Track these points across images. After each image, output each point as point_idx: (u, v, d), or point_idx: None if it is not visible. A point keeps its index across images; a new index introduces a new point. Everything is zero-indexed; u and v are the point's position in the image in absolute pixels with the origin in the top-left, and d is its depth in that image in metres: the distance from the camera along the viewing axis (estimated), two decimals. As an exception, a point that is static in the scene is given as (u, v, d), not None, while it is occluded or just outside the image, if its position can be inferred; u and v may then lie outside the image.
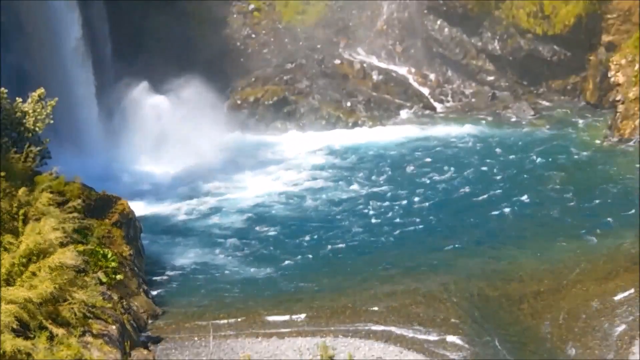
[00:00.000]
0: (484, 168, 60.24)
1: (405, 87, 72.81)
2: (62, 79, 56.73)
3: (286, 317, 40.63)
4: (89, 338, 28.06)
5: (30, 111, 37.10)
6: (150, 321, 40.20)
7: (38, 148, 36.67)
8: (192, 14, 71.68)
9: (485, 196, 56.03)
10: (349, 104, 69.64)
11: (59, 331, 26.66)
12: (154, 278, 45.86)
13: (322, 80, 71.22)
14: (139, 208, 52.66)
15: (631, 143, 61.89)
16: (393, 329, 39.42)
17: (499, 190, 56.64)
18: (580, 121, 67.32)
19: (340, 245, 50.15)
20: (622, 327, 40.01)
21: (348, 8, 76.71)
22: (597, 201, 54.55)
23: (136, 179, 58.80)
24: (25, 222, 29.41)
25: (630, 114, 63.11)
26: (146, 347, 37.65)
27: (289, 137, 67.41)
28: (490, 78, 73.65)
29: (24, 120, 36.93)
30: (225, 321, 40.40)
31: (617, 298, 42.09)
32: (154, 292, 43.92)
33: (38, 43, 57.10)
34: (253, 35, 74.67)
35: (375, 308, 41.29)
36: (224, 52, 71.02)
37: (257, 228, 53.18)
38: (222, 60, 70.40)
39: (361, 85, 72.02)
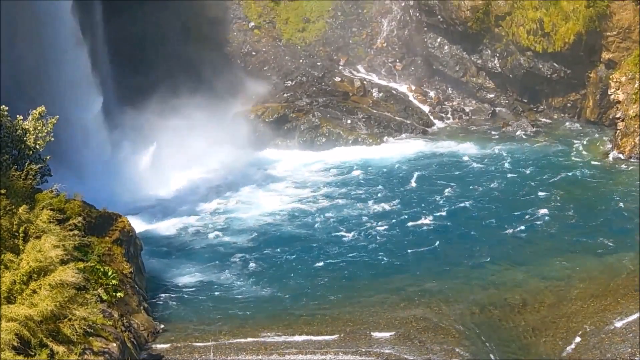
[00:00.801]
0: (484, 186, 60.15)
1: (405, 104, 72.87)
2: (66, 98, 56.70)
3: (287, 336, 40.63)
4: (89, 356, 28.05)
5: (31, 129, 37.11)
6: (150, 339, 40.14)
7: (38, 165, 36.66)
8: (193, 31, 71.83)
9: (484, 214, 55.98)
10: (349, 121, 69.66)
11: (60, 349, 26.65)
12: (155, 296, 45.80)
13: (322, 97, 71.30)
14: (140, 225, 52.68)
15: (631, 160, 61.87)
16: (394, 348, 39.40)
17: (498, 209, 56.59)
18: (580, 139, 67.24)
19: (342, 265, 50.09)
20: (622, 344, 39.99)
21: (348, 26, 76.92)
22: (597, 219, 54.51)
23: (137, 196, 58.69)
24: (25, 239, 29.42)
25: (630, 131, 63.16)
26: (146, 365, 37.67)
27: (289, 155, 67.36)
28: (490, 95, 73.73)
29: (25, 138, 36.93)
30: (226, 339, 40.37)
31: (617, 316, 42.10)
32: (155, 310, 43.87)
33: (38, 55, 57.02)
34: (253, 53, 74.85)
35: (376, 327, 41.31)
36: (224, 70, 71.08)
37: (258, 246, 53.06)
38: (223, 78, 70.44)
39: (361, 102, 72.10)
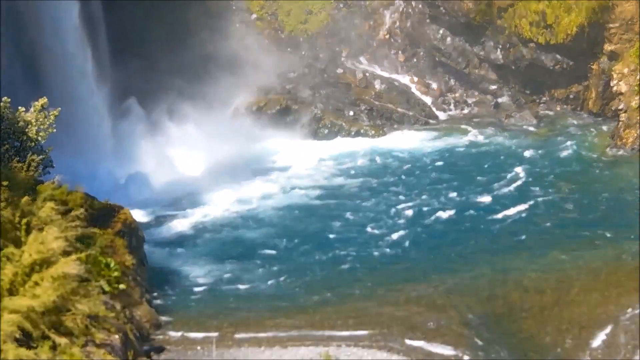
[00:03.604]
0: (485, 178, 60.15)
1: (407, 96, 72.84)
2: (66, 90, 56.75)
3: (289, 327, 40.64)
4: (91, 348, 28.01)
5: (33, 120, 37.12)
6: (153, 331, 40.16)
7: (40, 157, 36.67)
8: (195, 23, 71.76)
9: (486, 206, 55.98)
10: (351, 113, 69.69)
11: (62, 341, 26.62)
12: (157, 287, 45.83)
13: (324, 89, 71.30)
14: (142, 217, 52.72)
15: (634, 152, 61.79)
16: (397, 338, 39.42)
17: (500, 200, 56.57)
18: (583, 130, 67.22)
19: (343, 255, 50.08)
20: (625, 336, 40.03)
21: (350, 17, 76.83)
22: (599, 211, 54.51)
23: (139, 188, 58.66)
24: (27, 231, 29.38)
25: (632, 122, 63.10)
26: (149, 357, 37.66)
27: (292, 146, 67.39)
28: (493, 87, 73.66)
29: (27, 130, 36.95)
30: (229, 330, 40.41)
31: (620, 307, 42.10)
32: (157, 302, 43.90)
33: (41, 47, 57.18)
34: (256, 45, 74.75)
35: (379, 318, 41.32)
36: (226, 62, 71.03)
37: (262, 239, 53.07)
38: (225, 70, 70.41)
39: (364, 94, 72.09)
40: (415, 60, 76.23)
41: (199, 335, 39.98)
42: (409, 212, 55.50)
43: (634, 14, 65.69)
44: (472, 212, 55.31)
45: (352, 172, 62.86)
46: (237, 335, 39.95)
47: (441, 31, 74.66)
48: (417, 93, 74.09)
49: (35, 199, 31.63)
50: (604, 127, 66.95)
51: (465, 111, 72.51)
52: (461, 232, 52.86)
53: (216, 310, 43.50)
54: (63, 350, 26.48)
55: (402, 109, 71.24)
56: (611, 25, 66.51)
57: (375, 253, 50.49)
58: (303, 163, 64.56)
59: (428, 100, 73.51)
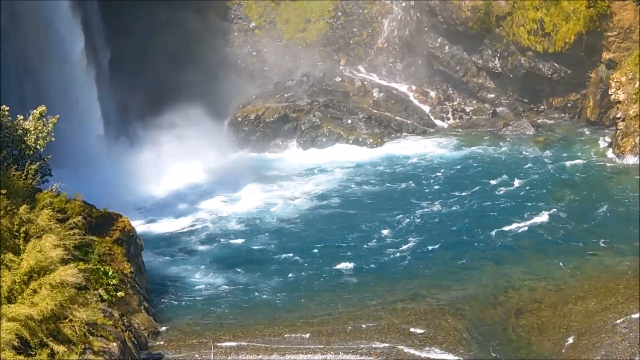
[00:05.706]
0: (483, 187, 60.09)
1: (405, 104, 72.90)
2: (66, 98, 56.83)
3: (287, 335, 40.67)
4: (89, 355, 28.02)
5: (32, 128, 37.10)
6: (151, 338, 40.16)
7: (37, 163, 36.64)
8: (194, 32, 71.83)
9: (484, 215, 55.88)
10: (349, 121, 69.70)
11: (60, 348, 26.64)
12: (156, 295, 45.82)
13: (322, 97, 71.35)
14: (141, 225, 52.69)
15: (631, 161, 61.80)
16: (395, 346, 39.43)
17: (498, 210, 56.51)
18: (581, 139, 67.23)
19: (341, 264, 50.01)
20: (623, 344, 40.01)
21: (348, 26, 76.90)
22: (597, 219, 54.44)
23: (138, 196, 58.72)
24: (26, 239, 29.40)
25: (630, 131, 63.14)
26: (147, 365, 37.69)
27: (290, 154, 67.46)
28: (491, 95, 73.72)
29: (25, 138, 36.93)
30: (226, 338, 40.42)
31: (617, 315, 42.11)
32: (155, 310, 43.88)
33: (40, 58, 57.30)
34: (254, 53, 74.87)
35: (377, 326, 41.33)
36: (225, 70, 71.11)
37: (260, 247, 53.06)
38: (223, 78, 70.46)
39: (362, 102, 72.15)
40: (413, 68, 76.32)
41: (197, 343, 39.98)
42: (410, 222, 55.41)
43: (632, 22, 65.80)
44: (472, 221, 55.15)
45: (353, 181, 62.76)
46: (235, 344, 39.95)
47: (439, 39, 74.78)
48: (415, 101, 74.18)
49: (33, 207, 31.66)
50: (602, 136, 66.93)
51: (464, 120, 72.55)
52: (461, 242, 52.70)
53: (214, 318, 43.51)
54: (61, 358, 26.49)
55: (400, 117, 71.30)
56: (609, 33, 66.63)
57: (373, 262, 50.42)
58: (300, 172, 64.58)
59: (426, 108, 73.58)
